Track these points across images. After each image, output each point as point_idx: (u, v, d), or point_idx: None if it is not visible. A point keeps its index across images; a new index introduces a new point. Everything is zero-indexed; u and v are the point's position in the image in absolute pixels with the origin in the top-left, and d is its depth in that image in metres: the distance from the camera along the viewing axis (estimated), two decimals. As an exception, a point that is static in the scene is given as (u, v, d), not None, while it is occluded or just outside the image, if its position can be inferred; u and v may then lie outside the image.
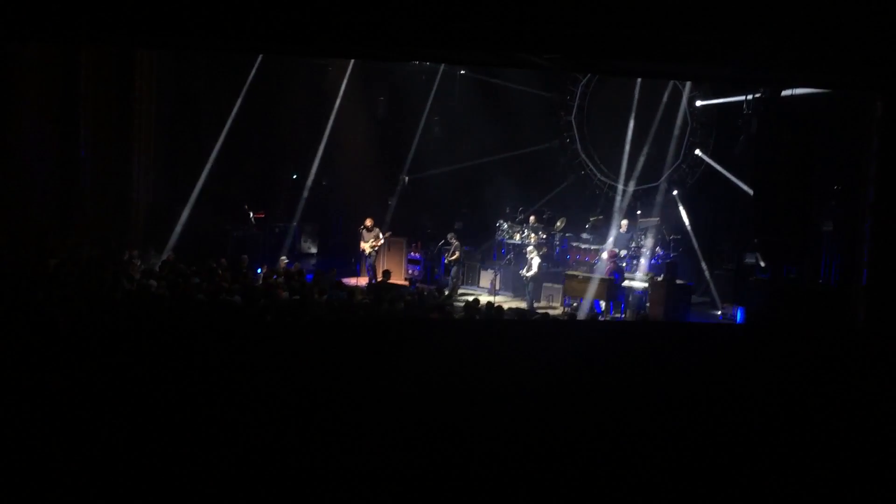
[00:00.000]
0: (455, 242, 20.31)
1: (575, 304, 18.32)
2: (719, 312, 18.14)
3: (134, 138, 20.26)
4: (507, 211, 21.97)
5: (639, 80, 20.71)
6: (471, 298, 15.86)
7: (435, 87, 23.13)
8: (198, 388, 5.07)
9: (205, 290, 14.14)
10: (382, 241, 20.50)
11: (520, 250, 20.34)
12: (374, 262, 20.47)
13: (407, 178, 23.21)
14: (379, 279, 18.85)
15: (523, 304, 18.60)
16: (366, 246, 20.49)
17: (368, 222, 20.65)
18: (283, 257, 19.63)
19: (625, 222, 20.00)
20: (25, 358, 5.54)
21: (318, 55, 21.06)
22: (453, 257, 20.30)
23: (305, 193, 22.80)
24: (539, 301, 19.43)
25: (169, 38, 14.05)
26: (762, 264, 17.52)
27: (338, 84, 23.00)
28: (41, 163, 19.56)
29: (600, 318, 17.55)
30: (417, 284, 18.65)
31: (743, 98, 18.83)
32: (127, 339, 6.75)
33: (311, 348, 6.31)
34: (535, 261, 19.24)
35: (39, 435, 4.31)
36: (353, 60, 22.17)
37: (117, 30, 12.59)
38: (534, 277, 19.23)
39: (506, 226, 21.40)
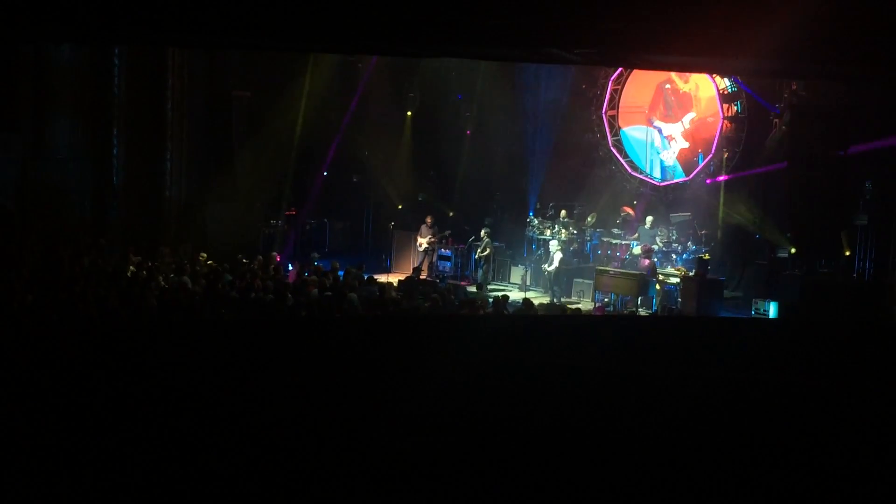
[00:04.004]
0: (486, 239, 20.34)
1: (606, 300, 18.28)
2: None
3: (166, 137, 20.46)
4: (538, 206, 21.96)
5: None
6: (500, 294, 15.88)
7: (466, 83, 23.17)
8: (229, 386, 5.10)
9: (238, 287, 14.23)
10: (437, 239, 20.79)
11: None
12: (431, 257, 21.02)
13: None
14: (422, 275, 19.03)
15: (555, 301, 18.58)
16: (423, 241, 20.96)
17: (429, 219, 21.29)
18: (315, 254, 19.74)
19: (650, 218, 19.93)
20: (59, 355, 5.60)
21: (349, 52, 21.13)
22: (484, 253, 20.34)
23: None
24: (570, 296, 19.41)
25: (200, 37, 14.15)
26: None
27: (368, 81, 23.09)
28: (75, 161, 19.78)
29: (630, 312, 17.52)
30: (448, 281, 18.69)
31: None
32: (161, 336, 6.81)
33: (343, 345, 6.34)
34: (557, 255, 19.24)
35: (73, 430, 4.35)
36: (383, 57, 22.22)
37: (149, 30, 12.69)
38: (556, 272, 19.22)
39: (536, 221, 21.37)
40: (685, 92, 21.15)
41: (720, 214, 19.83)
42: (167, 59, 20.20)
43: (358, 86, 23.20)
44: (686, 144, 21.12)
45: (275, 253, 18.49)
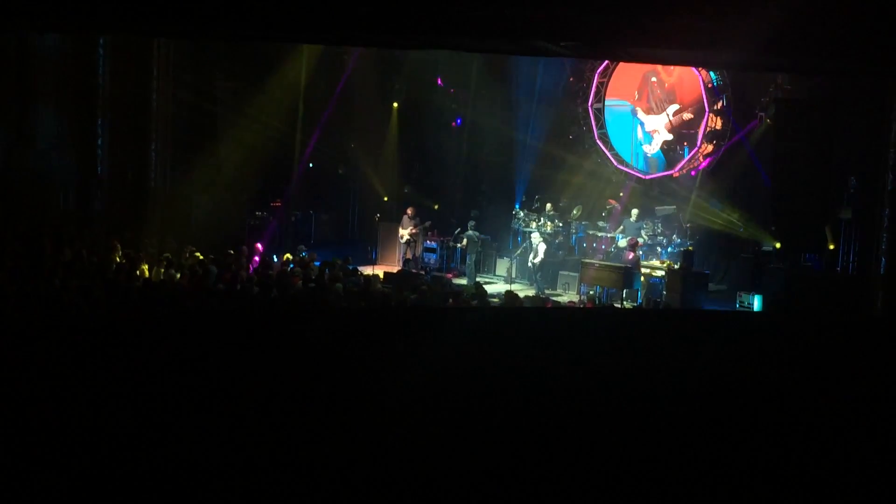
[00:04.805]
0: (470, 232, 20.33)
1: (591, 293, 18.32)
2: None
3: (151, 127, 20.35)
4: (524, 199, 21.98)
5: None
6: (489, 288, 15.88)
7: (452, 75, 23.16)
8: (214, 379, 5.09)
9: (223, 279, 14.18)
10: (418, 231, 20.80)
11: (536, 239, 20.37)
12: (414, 249, 21.01)
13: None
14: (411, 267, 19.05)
15: (540, 294, 18.61)
16: (404, 232, 20.96)
17: (410, 211, 21.21)
18: (302, 246, 19.70)
19: (635, 211, 19.97)
20: (42, 347, 5.57)
21: (333, 43, 21.07)
22: (461, 244, 20.41)
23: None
24: (555, 289, 19.44)
25: (186, 27, 14.09)
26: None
27: (354, 72, 23.04)
28: (59, 151, 19.69)
29: (616, 305, 17.56)
30: (433, 273, 18.69)
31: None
32: (145, 329, 6.78)
33: (328, 337, 6.33)
34: (541, 247, 19.26)
35: (55, 423, 4.33)
36: (368, 48, 22.16)
37: (134, 19, 12.63)
38: (541, 264, 19.24)
39: (522, 214, 21.38)
40: (670, 84, 21.16)
41: (687, 213, 19.92)
42: (152, 49, 20.10)
43: (342, 77, 23.15)
44: (670, 137, 21.13)
45: (259, 245, 18.46)
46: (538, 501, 3.87)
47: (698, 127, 20.49)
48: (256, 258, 17.56)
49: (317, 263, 16.23)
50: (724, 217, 19.67)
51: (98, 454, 4.03)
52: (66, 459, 3.96)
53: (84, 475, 3.86)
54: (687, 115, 20.77)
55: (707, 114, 20.18)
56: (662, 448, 4.39)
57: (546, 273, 19.52)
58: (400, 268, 19.20)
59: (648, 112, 21.45)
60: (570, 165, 22.43)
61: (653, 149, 21.42)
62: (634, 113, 21.70)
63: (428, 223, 21.17)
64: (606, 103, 22.04)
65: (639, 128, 21.70)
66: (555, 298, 18.05)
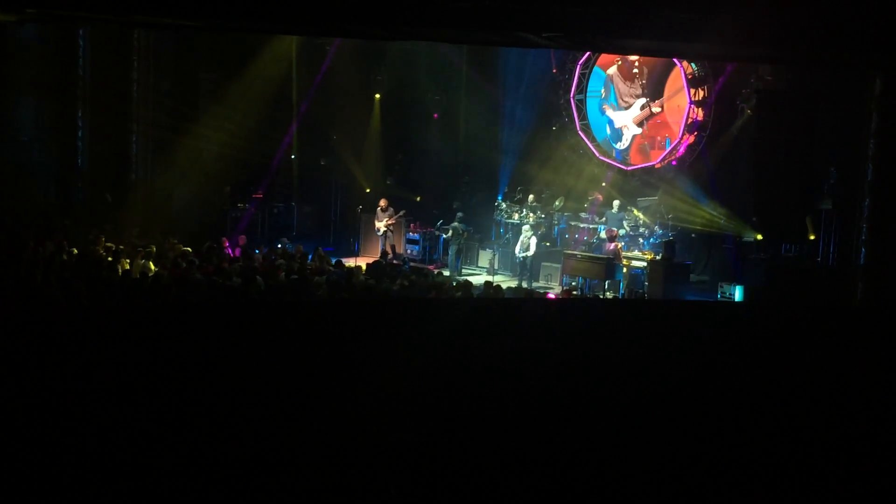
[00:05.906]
0: (455, 223, 20.30)
1: (573, 284, 18.34)
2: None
3: (132, 119, 20.28)
4: (506, 190, 21.98)
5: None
6: (472, 280, 15.88)
7: (435, 66, 23.12)
8: (197, 371, 5.08)
9: (204, 271, 14.14)
10: (394, 221, 20.78)
11: (518, 230, 20.32)
12: (392, 240, 20.99)
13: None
14: (389, 258, 19.05)
15: (523, 284, 18.61)
16: (380, 225, 20.93)
17: (383, 203, 21.16)
18: (284, 238, 19.66)
19: (617, 202, 19.99)
20: (23, 340, 5.55)
21: (317, 34, 21.02)
22: (446, 235, 20.41)
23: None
24: (538, 280, 19.42)
25: (167, 18, 14.02)
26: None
27: (336, 63, 22.97)
28: (40, 143, 19.59)
29: (599, 296, 17.60)
30: (411, 264, 18.66)
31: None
32: (126, 321, 6.76)
33: (311, 329, 6.33)
34: (533, 240, 19.17)
35: (38, 414, 4.32)
36: (352, 40, 22.10)
37: (116, 9, 12.57)
38: (533, 257, 19.19)
39: (504, 205, 21.37)
40: (636, 76, 21.14)
41: (667, 204, 19.94)
42: (133, 40, 20.02)
43: (322, 67, 23.11)
44: (639, 131, 21.12)
45: (242, 236, 18.41)
46: (527, 486, 3.90)
47: (667, 119, 20.53)
48: (238, 250, 17.51)
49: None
50: (706, 208, 19.70)
51: (79, 446, 4.02)
52: (46, 451, 3.95)
53: (65, 466, 3.86)
54: (656, 109, 20.79)
55: (690, 105, 20.17)
56: (645, 436, 4.41)
57: (534, 265, 19.49)
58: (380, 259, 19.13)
59: (617, 108, 21.44)
60: (552, 156, 22.41)
61: (623, 145, 21.46)
62: (603, 111, 21.71)
63: (402, 212, 21.13)
64: (588, 94, 22.02)
65: (607, 126, 21.71)
66: (540, 290, 18.06)
